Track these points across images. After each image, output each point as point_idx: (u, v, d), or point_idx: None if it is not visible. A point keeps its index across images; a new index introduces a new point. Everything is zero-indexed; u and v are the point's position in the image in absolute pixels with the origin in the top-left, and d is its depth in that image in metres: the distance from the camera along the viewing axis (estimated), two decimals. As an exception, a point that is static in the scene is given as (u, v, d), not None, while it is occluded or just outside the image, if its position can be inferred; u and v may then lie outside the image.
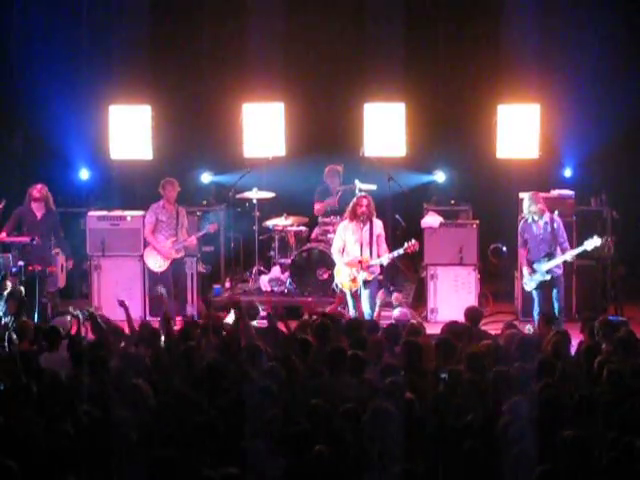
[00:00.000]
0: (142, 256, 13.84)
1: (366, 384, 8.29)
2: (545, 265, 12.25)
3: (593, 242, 12.11)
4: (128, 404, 7.68)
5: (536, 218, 12.31)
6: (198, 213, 14.31)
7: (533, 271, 12.29)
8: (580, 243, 12.33)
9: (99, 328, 10.18)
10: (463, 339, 9.73)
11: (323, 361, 8.86)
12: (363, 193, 12.61)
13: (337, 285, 12.64)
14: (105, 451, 7.10)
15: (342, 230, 12.40)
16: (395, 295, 12.10)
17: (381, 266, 12.44)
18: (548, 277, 12.27)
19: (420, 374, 8.68)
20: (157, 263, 13.52)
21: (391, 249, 13.16)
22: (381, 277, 12.58)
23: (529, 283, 12.41)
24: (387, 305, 11.94)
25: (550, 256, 12.24)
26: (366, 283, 12.18)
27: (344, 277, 12.30)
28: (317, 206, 14.38)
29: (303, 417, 7.42)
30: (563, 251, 12.23)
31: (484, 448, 7.08)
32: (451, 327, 10.16)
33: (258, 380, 8.14)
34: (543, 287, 12.34)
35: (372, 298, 12.19)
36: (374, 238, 12.22)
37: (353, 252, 12.24)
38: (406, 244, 12.30)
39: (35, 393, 8.03)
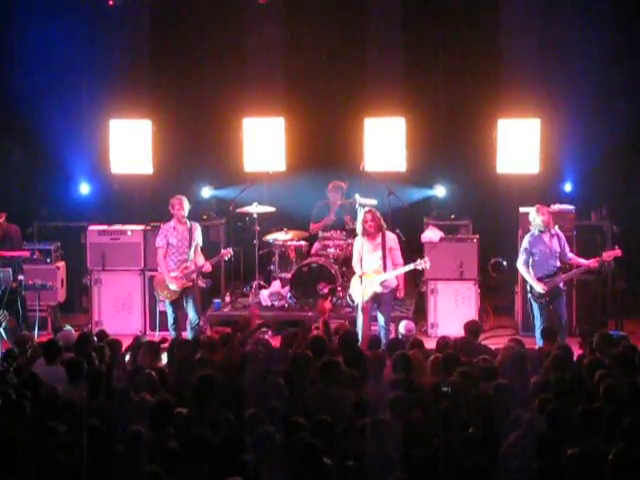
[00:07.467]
0: (142, 270, 13.91)
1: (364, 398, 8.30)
2: (559, 278, 12.14)
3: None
4: (131, 418, 7.68)
5: (543, 231, 12.23)
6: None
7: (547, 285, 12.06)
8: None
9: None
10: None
11: (317, 374, 8.89)
12: (367, 208, 12.52)
13: (350, 296, 12.58)
14: (105, 465, 7.09)
15: (358, 244, 12.28)
16: (407, 325, 11.77)
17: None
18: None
19: (417, 387, 8.69)
20: (167, 293, 12.75)
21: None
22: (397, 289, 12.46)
23: (541, 298, 12.09)
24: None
25: (562, 270, 12.18)
26: (379, 296, 12.14)
27: (356, 290, 12.24)
28: (312, 226, 14.35)
29: (305, 430, 7.42)
30: (569, 261, 12.18)
31: (485, 462, 7.06)
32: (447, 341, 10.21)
33: (259, 394, 8.16)
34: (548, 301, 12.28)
35: (386, 312, 12.17)
36: (387, 250, 12.16)
37: (368, 264, 12.17)
38: (419, 260, 12.21)
39: (31, 408, 8.01)
